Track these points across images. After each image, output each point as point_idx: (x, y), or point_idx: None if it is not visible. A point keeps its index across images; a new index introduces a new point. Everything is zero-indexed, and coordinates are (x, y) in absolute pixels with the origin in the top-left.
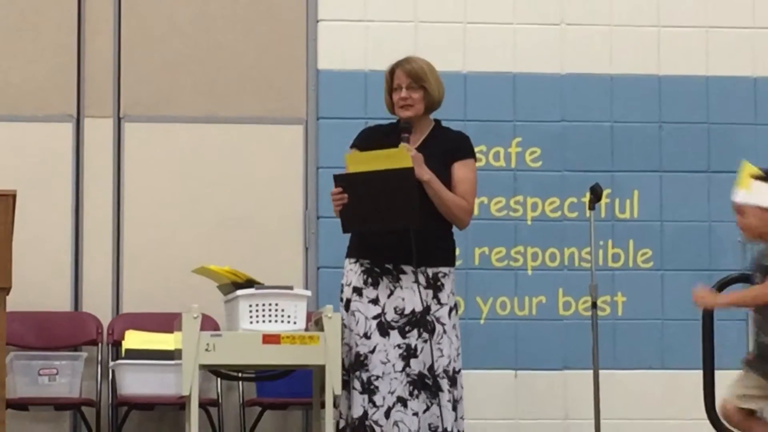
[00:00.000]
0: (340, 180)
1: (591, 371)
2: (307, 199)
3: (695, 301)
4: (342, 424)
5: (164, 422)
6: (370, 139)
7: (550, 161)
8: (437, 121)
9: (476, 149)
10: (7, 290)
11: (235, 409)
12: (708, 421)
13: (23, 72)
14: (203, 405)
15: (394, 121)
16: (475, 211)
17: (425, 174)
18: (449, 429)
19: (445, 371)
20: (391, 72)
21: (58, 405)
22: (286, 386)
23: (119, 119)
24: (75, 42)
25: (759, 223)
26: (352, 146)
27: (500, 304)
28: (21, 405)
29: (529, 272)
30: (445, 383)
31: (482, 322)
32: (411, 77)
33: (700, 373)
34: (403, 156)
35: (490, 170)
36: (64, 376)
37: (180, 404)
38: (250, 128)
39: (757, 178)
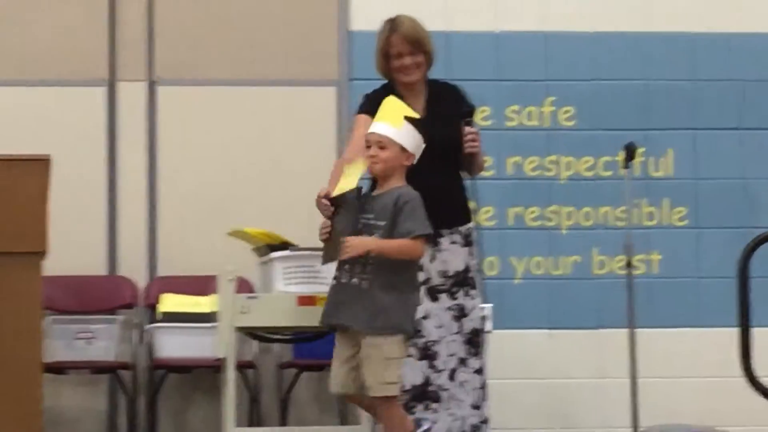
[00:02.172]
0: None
1: (626, 330)
2: None
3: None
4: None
5: (200, 385)
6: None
7: (584, 120)
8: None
9: (510, 109)
10: (43, 254)
11: (271, 372)
12: (744, 379)
13: (57, 37)
14: (239, 367)
15: (385, 82)
16: (509, 171)
17: (479, 158)
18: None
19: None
20: (387, 38)
21: (95, 368)
22: (322, 348)
23: (152, 83)
24: (108, 6)
25: (394, 160)
26: (365, 112)
27: (535, 264)
28: (58, 369)
29: (564, 232)
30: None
31: (517, 281)
32: (412, 44)
33: (735, 330)
34: (351, 174)
35: (524, 130)
36: (100, 340)
37: (216, 367)
38: (283, 90)
39: (408, 119)
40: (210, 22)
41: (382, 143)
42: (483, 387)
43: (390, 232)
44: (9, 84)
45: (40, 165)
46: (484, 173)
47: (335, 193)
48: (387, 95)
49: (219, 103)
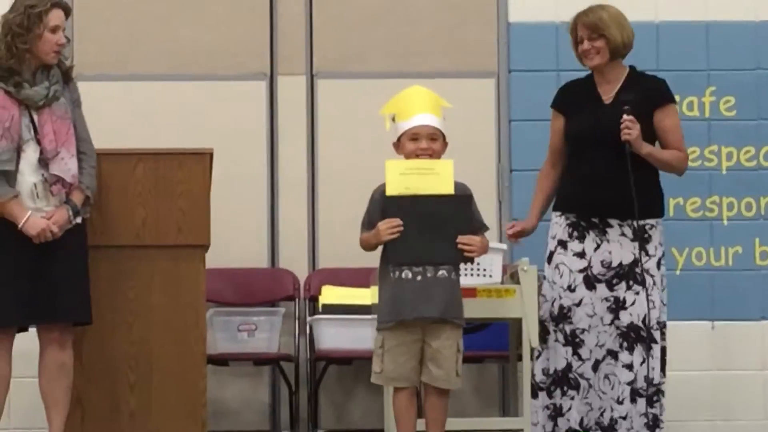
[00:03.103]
0: (391, 203)
1: None
2: (500, 152)
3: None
4: (539, 377)
5: (361, 376)
6: (569, 99)
7: (745, 110)
8: (632, 67)
9: None
10: (206, 248)
11: None
12: None
13: (218, 32)
14: None
15: (590, 72)
16: None
17: (644, 148)
18: (656, 380)
19: (658, 323)
20: (574, 26)
21: (257, 360)
22: (483, 339)
23: (312, 76)
24: (268, 1)
25: (442, 151)
26: (552, 106)
27: (696, 255)
28: (221, 360)
29: (725, 222)
30: (658, 335)
31: (678, 273)
32: (589, 28)
33: None
34: (445, 173)
35: (684, 120)
36: (262, 332)
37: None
38: (442, 83)
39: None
40: (368, 15)
41: (435, 135)
42: (650, 384)
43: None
44: (172, 79)
45: (202, 159)
46: None
47: (403, 192)
48: (585, 85)
49: (378, 96)
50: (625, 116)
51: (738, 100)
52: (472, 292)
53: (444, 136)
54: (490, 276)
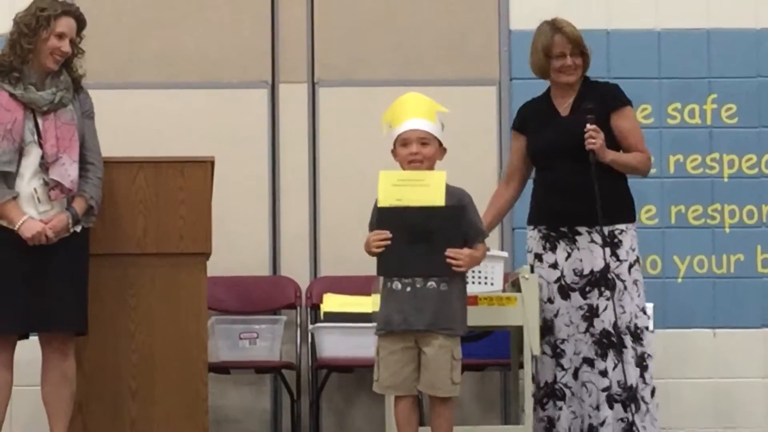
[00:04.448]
0: (383, 214)
1: None
2: (501, 160)
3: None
4: (532, 390)
5: (363, 385)
6: (527, 118)
7: (747, 117)
8: (586, 78)
9: (671, 107)
10: (207, 256)
11: None
12: None
13: (219, 40)
14: None
15: (545, 90)
16: (671, 169)
17: (607, 156)
18: (634, 385)
19: (628, 327)
20: (551, 38)
21: (258, 368)
22: (484, 347)
23: (314, 84)
24: (269, 9)
25: (435, 156)
26: (513, 128)
27: (698, 263)
28: (222, 368)
29: (727, 230)
30: (628, 340)
31: (680, 280)
32: (573, 44)
33: None
34: (436, 185)
35: (686, 128)
36: (264, 340)
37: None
38: (444, 90)
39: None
40: (370, 23)
41: (425, 139)
42: (624, 389)
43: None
44: (173, 87)
45: (203, 166)
46: None
47: (395, 203)
48: (541, 105)
49: (380, 104)
50: (588, 125)
51: (739, 107)
52: (473, 300)
53: (440, 142)
54: (492, 284)
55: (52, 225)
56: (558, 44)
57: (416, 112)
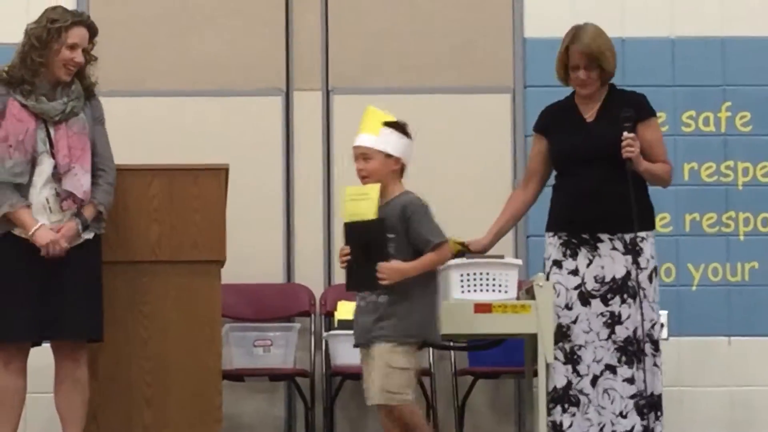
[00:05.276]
0: (344, 231)
1: None
2: (516, 167)
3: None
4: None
5: None
6: (550, 121)
7: (761, 125)
8: (611, 85)
9: (686, 114)
10: (221, 263)
11: (448, 379)
12: None
13: (234, 48)
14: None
15: (569, 95)
16: (685, 177)
17: (642, 165)
18: (655, 393)
19: (649, 336)
20: (566, 47)
21: (272, 376)
22: (498, 355)
23: (328, 92)
24: (284, 17)
25: (382, 168)
26: (535, 129)
27: (712, 271)
28: (236, 376)
29: (741, 238)
30: (648, 348)
31: (694, 288)
32: (587, 57)
33: None
34: (373, 198)
35: (700, 135)
36: (278, 347)
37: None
38: (458, 98)
39: (387, 124)
40: (384, 31)
41: (366, 154)
42: (641, 397)
43: (403, 243)
44: (188, 94)
45: (218, 174)
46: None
47: (348, 219)
48: (566, 107)
49: (394, 112)
50: (626, 134)
51: (754, 115)
52: (487, 307)
53: (387, 154)
54: (506, 291)
55: (63, 233)
56: (573, 56)
57: (361, 127)
